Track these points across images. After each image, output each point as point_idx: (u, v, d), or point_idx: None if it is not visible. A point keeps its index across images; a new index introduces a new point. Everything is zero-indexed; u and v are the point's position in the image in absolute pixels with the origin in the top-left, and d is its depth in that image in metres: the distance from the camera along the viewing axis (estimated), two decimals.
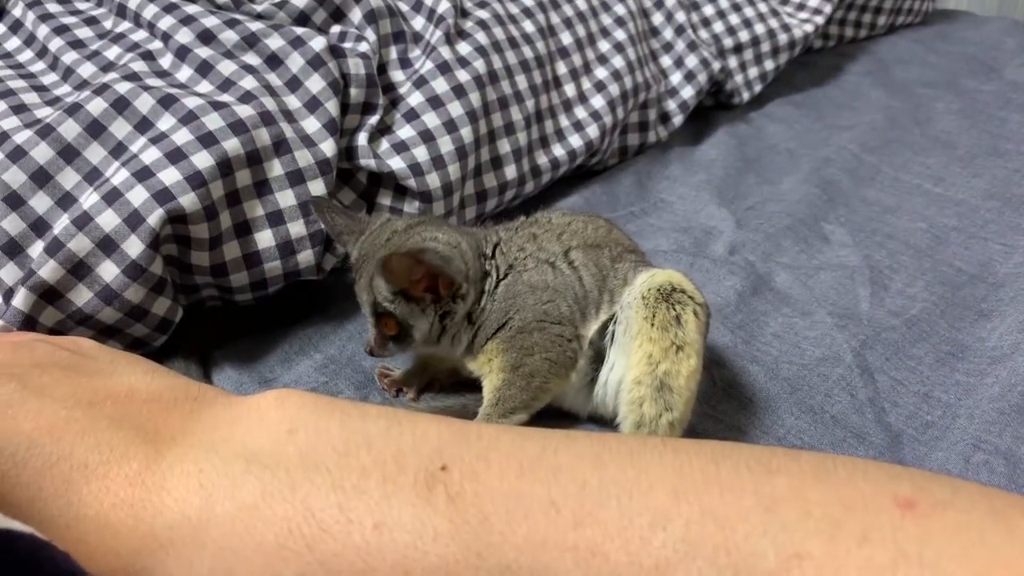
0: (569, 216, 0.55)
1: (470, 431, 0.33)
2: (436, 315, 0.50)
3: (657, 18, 0.95)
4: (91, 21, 0.67)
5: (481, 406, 0.51)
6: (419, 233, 0.51)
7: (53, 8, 0.67)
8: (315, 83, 0.61)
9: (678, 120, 0.92)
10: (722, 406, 0.55)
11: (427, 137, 0.66)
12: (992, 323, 0.64)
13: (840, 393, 0.56)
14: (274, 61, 0.62)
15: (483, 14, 0.76)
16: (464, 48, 0.72)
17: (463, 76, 0.69)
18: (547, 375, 0.50)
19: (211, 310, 0.61)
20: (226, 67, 0.60)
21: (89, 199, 0.52)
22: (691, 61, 0.93)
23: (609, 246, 0.53)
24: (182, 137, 0.54)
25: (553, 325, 0.50)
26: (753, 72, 1.02)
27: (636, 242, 0.57)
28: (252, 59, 0.62)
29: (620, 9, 0.89)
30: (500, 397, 0.50)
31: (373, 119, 0.65)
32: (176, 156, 0.53)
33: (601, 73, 0.84)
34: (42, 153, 0.53)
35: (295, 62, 0.61)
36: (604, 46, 0.86)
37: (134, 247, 0.51)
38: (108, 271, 0.51)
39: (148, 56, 0.62)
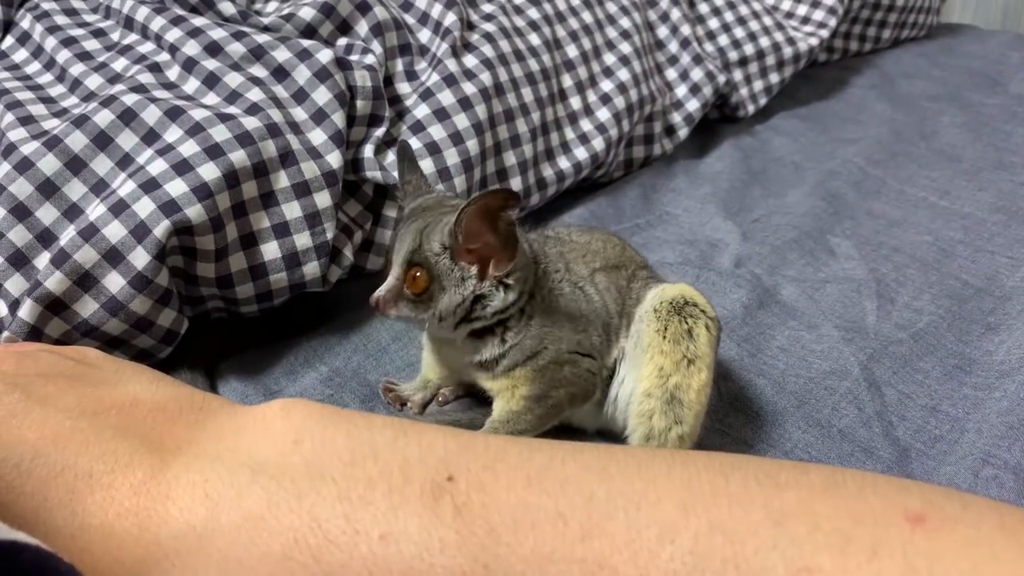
0: (587, 234, 0.54)
1: (477, 442, 0.33)
2: (471, 293, 0.46)
3: (662, 31, 0.95)
4: (99, 33, 0.67)
5: (489, 419, 0.50)
6: None
7: (61, 20, 0.67)
8: (321, 95, 0.61)
9: (683, 133, 0.93)
10: (729, 419, 0.55)
11: (433, 149, 0.66)
12: (1000, 336, 0.64)
13: (847, 407, 0.56)
14: (281, 73, 0.62)
15: (489, 27, 0.76)
16: (470, 61, 0.72)
17: (469, 89, 0.70)
18: (566, 406, 0.50)
19: (217, 322, 0.61)
20: (233, 79, 0.60)
21: (96, 210, 0.52)
22: (696, 74, 0.94)
23: (626, 265, 0.52)
24: (189, 149, 0.54)
25: (584, 358, 0.49)
26: (758, 85, 1.02)
27: (645, 257, 0.56)
28: (259, 71, 0.62)
29: (626, 22, 0.89)
30: (513, 419, 0.49)
31: (379, 131, 0.65)
32: (183, 168, 0.53)
33: (607, 86, 0.84)
34: (49, 164, 0.53)
35: (302, 74, 0.62)
36: (610, 59, 0.86)
37: (140, 259, 0.51)
38: (114, 282, 0.51)
39: (155, 68, 0.62)
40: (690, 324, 0.48)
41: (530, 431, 0.49)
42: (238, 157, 0.54)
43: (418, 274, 0.46)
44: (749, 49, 1.01)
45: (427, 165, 0.65)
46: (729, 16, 1.02)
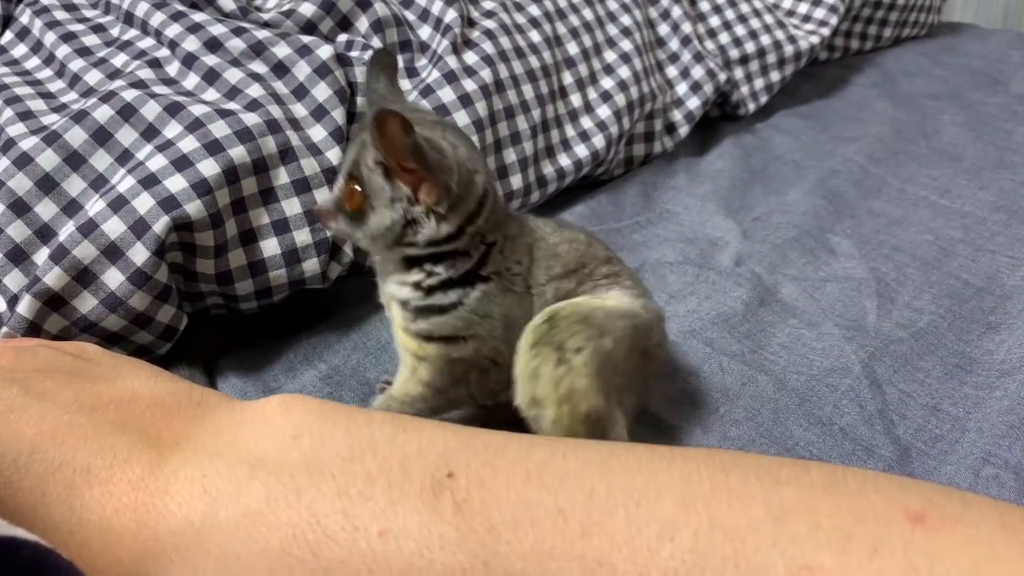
0: (558, 233, 0.49)
1: (476, 438, 0.33)
2: (402, 216, 0.43)
3: (663, 29, 0.95)
4: (98, 28, 0.67)
5: (388, 391, 0.48)
6: (443, 130, 0.44)
7: (60, 15, 0.67)
8: (322, 91, 0.61)
9: (684, 131, 0.92)
10: (729, 416, 0.55)
11: None
12: (1000, 336, 0.63)
13: (849, 405, 0.56)
14: (281, 69, 0.62)
15: (490, 24, 0.76)
16: (471, 57, 0.72)
17: (469, 85, 0.69)
18: (464, 404, 0.48)
19: (216, 318, 0.61)
20: (233, 75, 0.60)
21: (95, 206, 0.52)
22: (697, 72, 0.93)
23: (584, 265, 0.47)
24: (188, 145, 0.54)
25: (496, 368, 0.46)
26: (759, 83, 1.02)
27: (615, 253, 0.52)
28: (259, 67, 0.62)
29: (626, 20, 0.89)
30: (410, 402, 0.47)
31: None
32: (182, 164, 0.53)
33: (607, 83, 0.84)
34: (48, 160, 0.53)
35: (302, 70, 0.62)
36: (610, 56, 0.86)
37: (139, 254, 0.51)
38: (113, 278, 0.51)
39: (155, 63, 0.62)
40: (537, 348, 0.43)
41: (424, 416, 0.46)
42: (238, 153, 0.54)
43: (354, 191, 0.44)
44: (750, 47, 1.01)
45: None
46: (730, 14, 1.02)
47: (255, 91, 0.59)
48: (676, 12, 0.95)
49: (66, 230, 0.51)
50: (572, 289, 0.47)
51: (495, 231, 0.46)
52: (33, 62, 0.65)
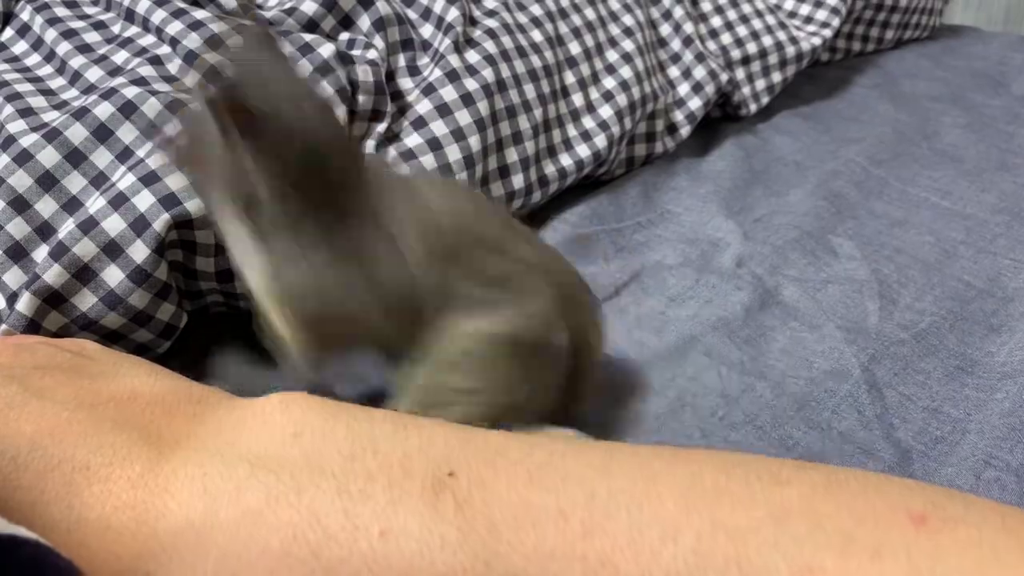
0: (434, 208, 0.43)
1: (477, 437, 0.33)
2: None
3: (665, 29, 0.95)
4: (99, 25, 0.67)
5: None
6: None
7: (61, 12, 0.67)
8: (323, 89, 0.61)
9: (685, 131, 0.92)
10: (728, 419, 0.55)
11: (435, 145, 0.66)
12: (1002, 338, 0.63)
13: (848, 409, 0.56)
14: None
15: (492, 23, 0.76)
16: (473, 56, 0.72)
17: (471, 84, 0.69)
18: None
19: (216, 316, 0.61)
20: None
21: (95, 203, 0.52)
22: (699, 72, 0.93)
23: (461, 253, 0.42)
24: None
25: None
26: (760, 84, 1.01)
27: (522, 228, 0.46)
28: None
29: (628, 20, 0.89)
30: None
31: (381, 127, 0.65)
32: None
33: (609, 83, 0.84)
34: (48, 157, 0.53)
35: (303, 68, 0.61)
36: (612, 56, 0.86)
37: (139, 252, 0.51)
38: (113, 276, 0.51)
39: (156, 61, 0.62)
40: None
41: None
42: None
43: None
44: (752, 48, 1.01)
45: (428, 161, 0.65)
46: (732, 14, 1.02)
47: None
48: (678, 12, 0.95)
49: (66, 227, 0.51)
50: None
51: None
52: (33, 59, 0.65)
